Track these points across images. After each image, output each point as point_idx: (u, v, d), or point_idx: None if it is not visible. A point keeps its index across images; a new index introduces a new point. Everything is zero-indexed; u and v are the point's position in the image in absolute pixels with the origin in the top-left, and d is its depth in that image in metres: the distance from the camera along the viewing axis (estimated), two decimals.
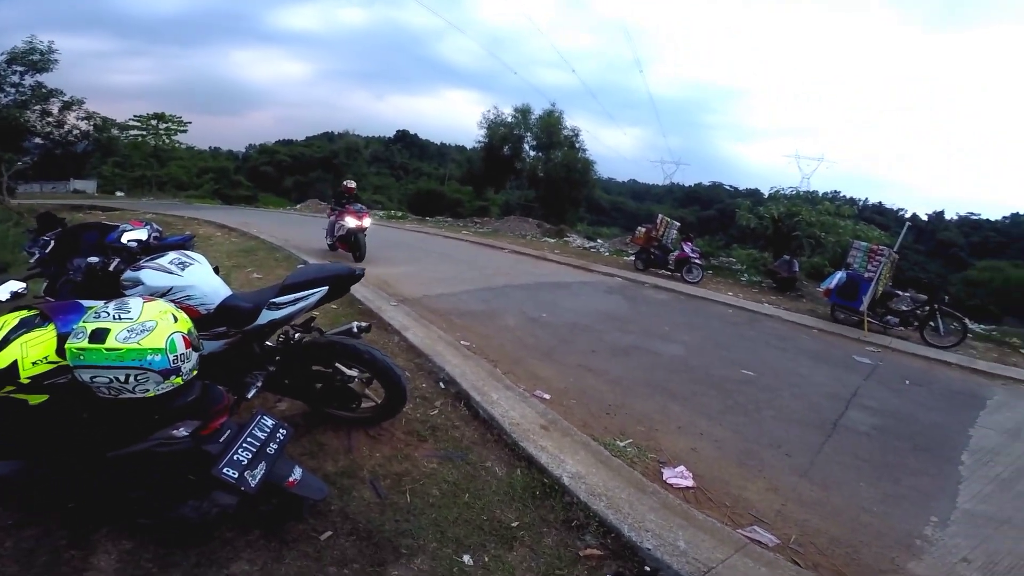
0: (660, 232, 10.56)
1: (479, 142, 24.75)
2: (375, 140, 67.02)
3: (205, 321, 2.37)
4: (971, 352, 6.53)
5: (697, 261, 9.80)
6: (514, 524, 2.28)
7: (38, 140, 17.66)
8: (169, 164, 38.20)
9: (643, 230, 10.71)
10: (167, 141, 38.84)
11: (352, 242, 8.10)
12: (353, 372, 2.72)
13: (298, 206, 25.02)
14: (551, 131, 23.30)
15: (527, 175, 24.39)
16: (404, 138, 74.76)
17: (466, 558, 2.06)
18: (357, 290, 5.69)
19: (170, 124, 38.47)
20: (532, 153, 24.60)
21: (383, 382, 2.71)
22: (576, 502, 2.40)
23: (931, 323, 6.82)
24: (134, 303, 1.67)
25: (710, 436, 3.43)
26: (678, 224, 11.18)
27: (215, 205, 27.70)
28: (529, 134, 24.09)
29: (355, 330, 2.69)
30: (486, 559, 2.07)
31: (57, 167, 25.49)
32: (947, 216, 59.85)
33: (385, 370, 2.64)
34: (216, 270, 2.69)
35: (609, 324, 5.87)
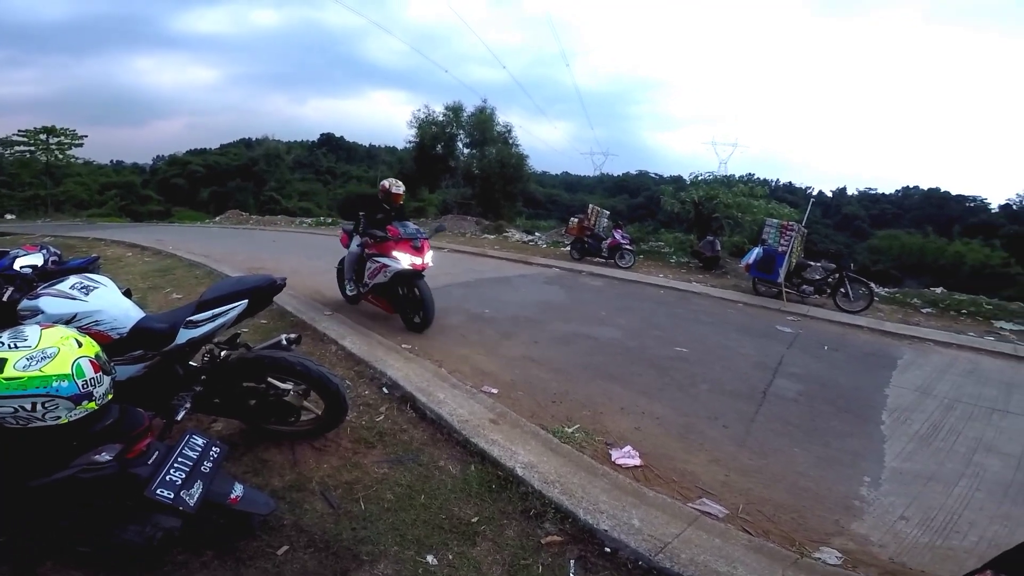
0: (592, 221, 10.91)
1: (410, 142, 24.29)
2: (297, 145, 63.35)
3: (119, 345, 2.21)
4: (879, 315, 7.21)
5: (628, 247, 10.21)
6: (474, 520, 2.31)
7: None
8: (65, 181, 34.75)
9: (576, 220, 11.01)
10: (60, 157, 35.14)
11: (407, 296, 4.77)
12: (287, 385, 2.62)
13: (217, 218, 23.48)
14: (484, 128, 23.26)
15: (462, 173, 24.23)
16: (329, 141, 71.99)
17: (429, 558, 2.06)
18: (286, 301, 5.47)
19: (62, 138, 34.76)
20: (466, 151, 24.49)
21: (320, 393, 2.64)
22: (532, 491, 2.46)
23: (841, 289, 7.47)
24: (31, 331, 1.61)
25: (651, 414, 3.61)
26: (608, 213, 11.59)
27: (123, 223, 25.37)
28: (462, 132, 23.92)
29: (284, 342, 2.60)
30: (450, 557, 2.09)
31: None
32: (849, 191, 65.85)
33: (321, 380, 2.57)
34: (127, 293, 2.51)
35: (550, 314, 6.01)
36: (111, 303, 2.26)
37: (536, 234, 17.52)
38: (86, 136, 35.70)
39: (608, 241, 10.29)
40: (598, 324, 5.72)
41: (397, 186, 5.12)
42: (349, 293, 5.46)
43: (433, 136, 23.81)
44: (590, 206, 11.24)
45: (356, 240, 5.19)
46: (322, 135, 73.34)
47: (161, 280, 7.28)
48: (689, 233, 13.15)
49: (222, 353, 2.57)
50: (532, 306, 6.35)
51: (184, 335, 2.31)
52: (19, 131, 33.62)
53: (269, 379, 2.58)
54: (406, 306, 4.78)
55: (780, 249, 7.98)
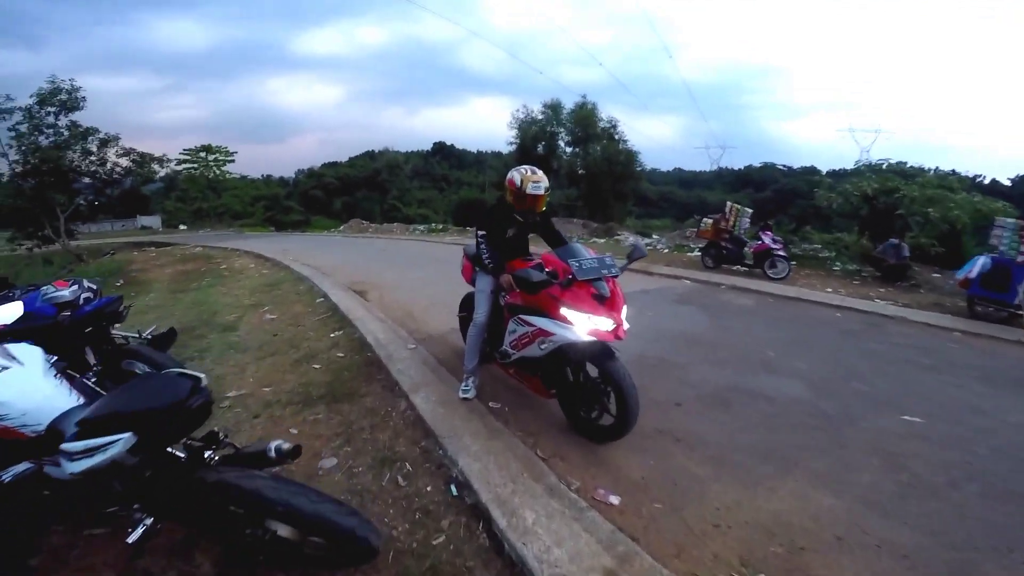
0: (731, 222, 9.04)
1: (511, 143, 23.72)
2: (414, 155, 68.26)
3: (35, 446, 1.38)
4: None
5: (781, 253, 8.22)
6: None
7: (86, 180, 18.17)
8: (224, 195, 39.93)
9: (710, 221, 9.21)
10: (217, 172, 40.32)
11: (579, 381, 2.86)
12: (277, 528, 1.65)
13: (341, 228, 24.95)
14: (586, 124, 21.94)
15: (565, 173, 23.06)
16: (442, 150, 75.14)
17: None
18: (371, 329, 4.74)
19: (218, 155, 40.09)
20: (568, 149, 23.29)
21: (327, 539, 1.65)
22: None
23: None
24: None
25: (893, 546, 2.12)
26: (750, 212, 9.60)
27: (266, 232, 28.29)
28: (562, 130, 22.81)
29: (272, 454, 1.62)
30: None
31: (125, 205, 26.56)
32: None
33: (321, 525, 1.60)
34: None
35: (689, 352, 4.48)
36: (20, 391, 1.46)
37: (653, 236, 15.69)
38: (236, 152, 40.88)
39: (754, 246, 8.39)
40: (765, 371, 4.10)
41: (534, 183, 3.00)
42: (497, 356, 3.33)
43: (533, 136, 22.98)
44: (728, 204, 9.34)
45: (485, 279, 3.24)
46: (435, 144, 76.51)
47: (266, 296, 7.12)
48: (859, 234, 10.45)
49: (181, 457, 1.65)
50: (662, 338, 4.82)
51: (66, 467, 1.44)
52: (183, 150, 39.38)
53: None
54: (575, 395, 2.88)
55: (1020, 259, 5.76)
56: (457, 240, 15.38)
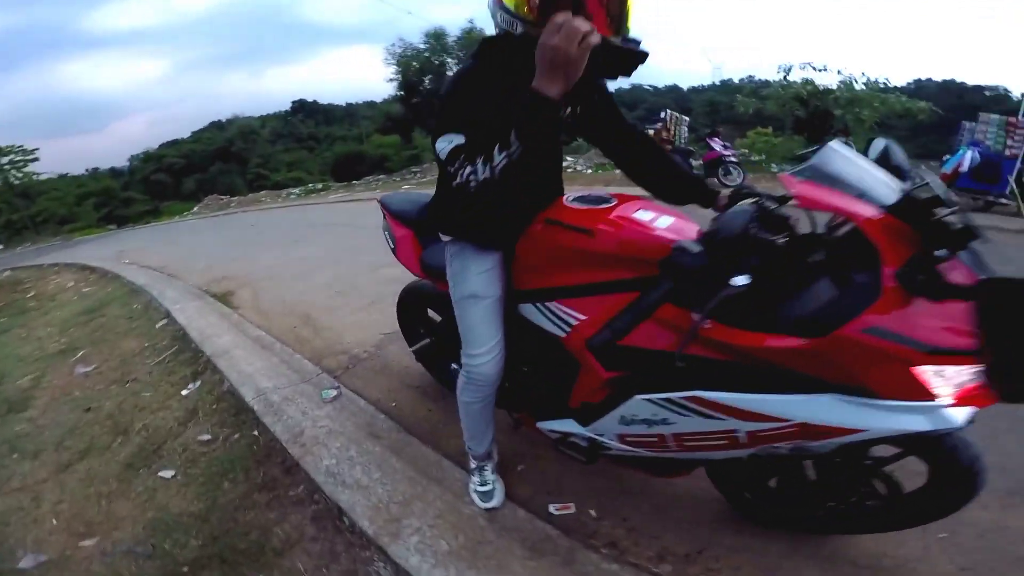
0: (672, 132, 7.89)
1: (391, 80, 20.74)
2: (271, 118, 62.58)
3: None
4: None
5: (733, 159, 7.34)
6: None
7: None
8: (39, 199, 33.27)
9: (651, 132, 7.98)
10: (18, 175, 32.74)
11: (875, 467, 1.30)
12: None
13: (195, 208, 20.67)
14: None
15: None
16: (303, 108, 68.75)
17: None
18: (244, 365, 2.76)
19: (13, 155, 32.11)
20: None
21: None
22: None
23: None
24: None
25: None
26: (687, 119, 8.54)
27: (105, 232, 22.77)
28: (450, 59, 20.28)
29: None
30: None
31: None
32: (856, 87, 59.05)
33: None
34: None
35: None
36: None
37: (569, 159, 14.30)
38: (38, 149, 33.49)
39: (704, 155, 7.39)
40: None
41: None
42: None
43: (418, 71, 20.24)
44: (666, 111, 8.16)
45: (484, 263, 1.42)
46: (294, 103, 70.19)
47: (82, 331, 4.65)
48: (797, 135, 10.02)
49: None
50: None
51: None
52: None
53: None
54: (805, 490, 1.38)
55: (1010, 153, 6.04)
56: (344, 198, 12.70)
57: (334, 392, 2.45)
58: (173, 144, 52.14)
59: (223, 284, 5.07)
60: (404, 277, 2.17)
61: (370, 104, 57.40)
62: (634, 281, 1.16)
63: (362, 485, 1.77)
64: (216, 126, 56.26)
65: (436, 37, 20.15)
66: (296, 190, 18.71)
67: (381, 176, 16.36)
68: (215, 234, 10.18)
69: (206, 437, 2.34)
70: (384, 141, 27.52)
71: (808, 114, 9.58)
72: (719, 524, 1.55)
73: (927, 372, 0.89)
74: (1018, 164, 5.88)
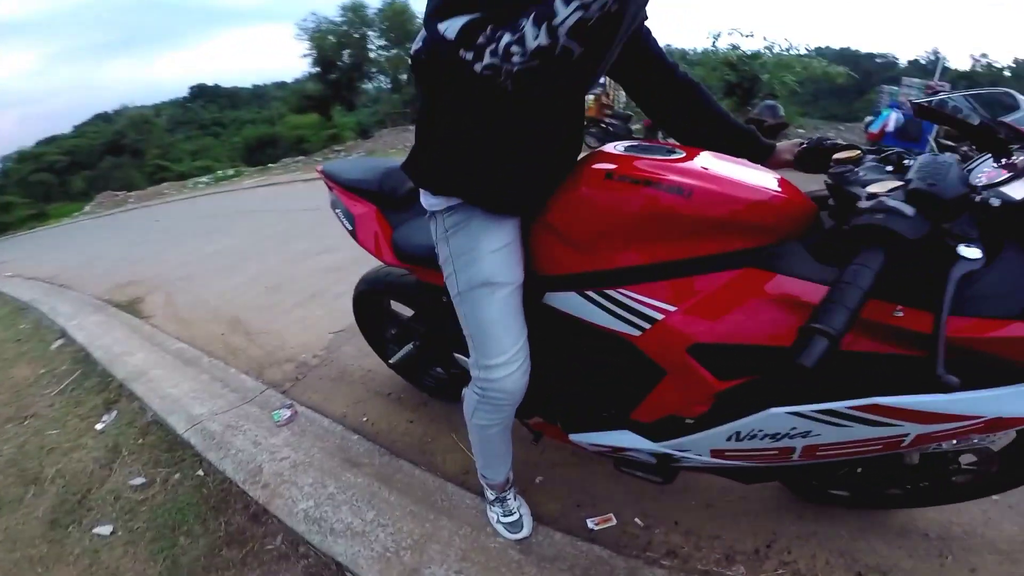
0: (611, 97, 7.76)
1: (306, 55, 19.19)
2: (167, 105, 57.95)
3: None
4: None
5: None
6: None
7: None
8: None
9: (591, 98, 7.80)
10: None
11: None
12: None
13: (87, 207, 18.27)
14: (402, 23, 18.54)
15: (391, 80, 19.70)
16: (203, 94, 63.43)
17: None
18: (166, 385, 2.21)
19: None
20: (385, 53, 19.67)
21: None
22: None
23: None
24: None
25: None
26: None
27: None
28: (371, 32, 19.04)
29: None
30: None
31: None
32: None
33: None
34: None
35: None
36: None
37: None
38: None
39: (645, 119, 7.31)
40: None
41: None
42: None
43: (335, 45, 18.84)
44: (604, 77, 7.98)
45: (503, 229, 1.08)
46: (192, 88, 64.78)
47: None
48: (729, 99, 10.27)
49: None
50: None
51: None
52: None
53: None
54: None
55: None
56: (261, 183, 11.49)
57: (287, 412, 2.03)
58: (52, 141, 46.74)
59: (128, 291, 4.34)
60: (347, 264, 1.80)
61: (280, 84, 53.87)
62: (745, 253, 0.89)
63: (357, 531, 1.43)
64: (102, 118, 51.40)
65: (354, 10, 18.78)
66: (204, 179, 16.98)
67: (300, 158, 15.13)
68: (113, 234, 8.92)
69: (139, 481, 1.87)
70: (300, 121, 25.79)
71: (738, 78, 9.78)
72: (778, 512, 1.40)
73: None
74: (936, 124, 6.44)
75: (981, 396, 0.77)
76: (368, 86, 23.00)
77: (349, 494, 1.55)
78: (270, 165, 14.06)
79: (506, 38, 0.70)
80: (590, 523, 1.41)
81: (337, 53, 18.80)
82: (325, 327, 2.77)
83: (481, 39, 0.72)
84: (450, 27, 0.75)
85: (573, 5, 0.64)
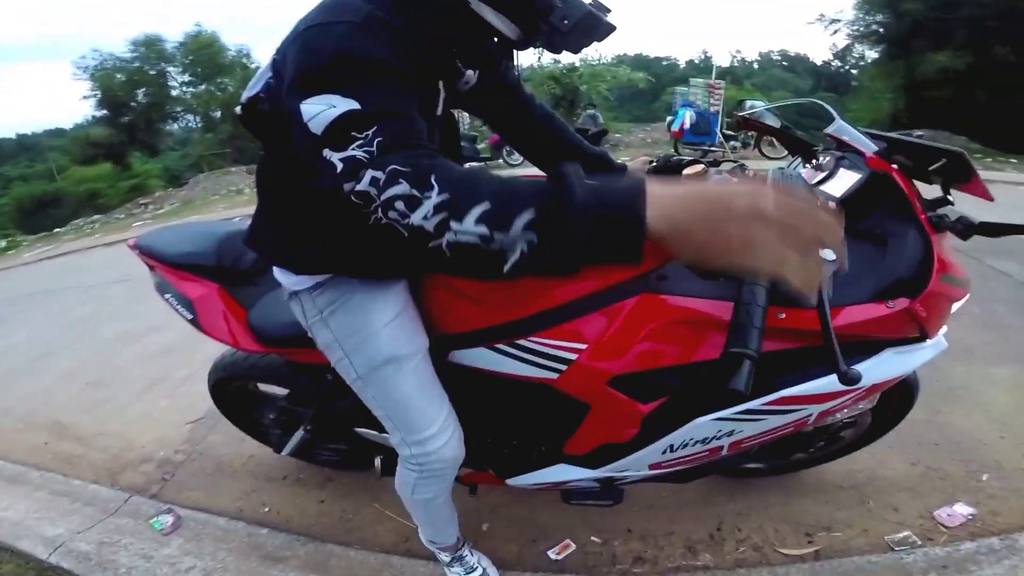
0: (456, 116, 7.96)
1: (88, 96, 16.32)
2: None
3: None
4: None
5: None
6: None
7: None
8: None
9: None
10: None
11: None
12: None
13: None
14: (210, 56, 16.69)
15: (200, 119, 17.57)
16: None
17: None
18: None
19: None
20: (191, 90, 17.54)
21: None
22: None
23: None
24: None
25: None
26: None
27: None
28: (171, 68, 16.87)
29: None
30: None
31: None
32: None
33: None
34: None
35: None
36: None
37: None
38: None
39: (490, 137, 7.71)
40: None
41: None
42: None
43: (127, 84, 16.36)
44: None
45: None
46: None
47: None
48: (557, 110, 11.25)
49: None
50: None
51: None
52: None
53: None
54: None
55: (712, 109, 7.74)
56: (48, 253, 9.16)
57: (169, 518, 1.66)
58: None
59: None
60: (182, 343, 1.54)
61: (55, 132, 45.03)
62: (635, 280, 0.89)
63: None
64: None
65: (148, 44, 16.46)
66: None
67: (96, 217, 12.28)
68: None
69: None
70: (89, 173, 21.47)
71: (562, 91, 10.71)
72: (711, 496, 1.55)
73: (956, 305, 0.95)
74: (720, 117, 7.70)
75: (862, 369, 0.90)
76: (173, 127, 20.44)
77: None
78: (57, 230, 11.38)
79: (396, 187, 0.53)
80: (551, 554, 1.40)
81: (129, 92, 16.28)
82: (177, 419, 2.31)
83: (358, 151, 0.55)
84: (314, 115, 0.57)
85: (479, 229, 0.50)
